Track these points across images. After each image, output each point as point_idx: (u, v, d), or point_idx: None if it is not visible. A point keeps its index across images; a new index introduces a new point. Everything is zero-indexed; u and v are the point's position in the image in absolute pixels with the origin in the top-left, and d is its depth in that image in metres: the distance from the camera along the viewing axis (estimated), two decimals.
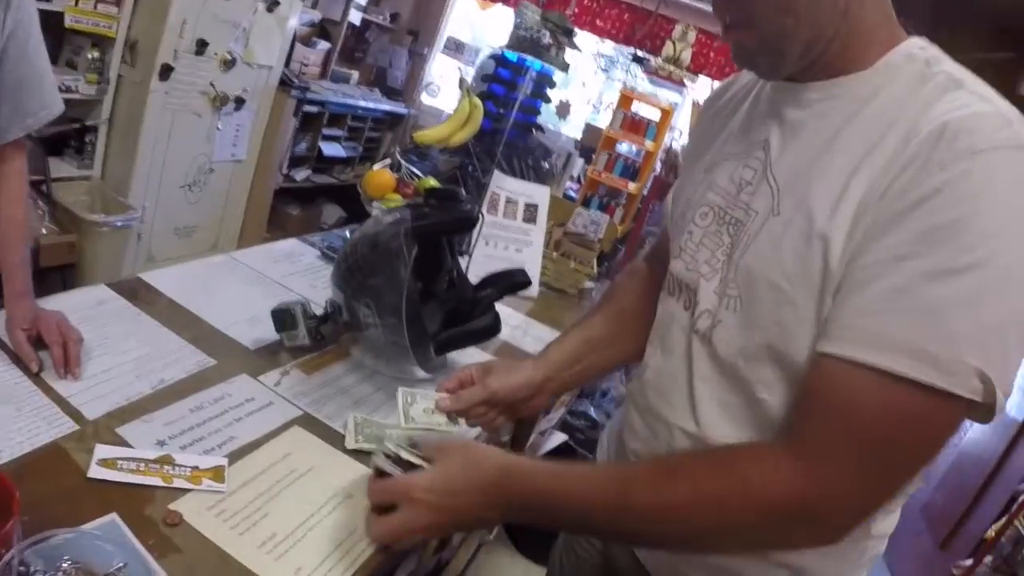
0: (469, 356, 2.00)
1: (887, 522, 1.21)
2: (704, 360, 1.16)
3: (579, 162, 6.42)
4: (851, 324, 0.92)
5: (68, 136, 3.76)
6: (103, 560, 0.96)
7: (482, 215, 1.77)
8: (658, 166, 6.08)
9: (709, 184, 1.22)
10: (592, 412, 3.98)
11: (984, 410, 0.89)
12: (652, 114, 6.04)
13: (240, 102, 4.42)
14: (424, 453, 1.13)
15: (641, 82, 6.66)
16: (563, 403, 3.60)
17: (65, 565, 0.91)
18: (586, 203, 5.23)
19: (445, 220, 1.70)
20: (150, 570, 1.04)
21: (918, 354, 0.86)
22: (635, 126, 5.96)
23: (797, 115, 1.08)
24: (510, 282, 1.95)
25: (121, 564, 0.95)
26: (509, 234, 2.74)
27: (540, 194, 2.86)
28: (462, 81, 2.74)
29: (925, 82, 0.97)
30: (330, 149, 5.76)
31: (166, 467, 1.25)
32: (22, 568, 0.89)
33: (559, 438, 2.84)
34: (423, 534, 1.14)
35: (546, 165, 3.28)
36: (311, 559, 1.18)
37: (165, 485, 1.22)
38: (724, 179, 1.18)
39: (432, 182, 2.49)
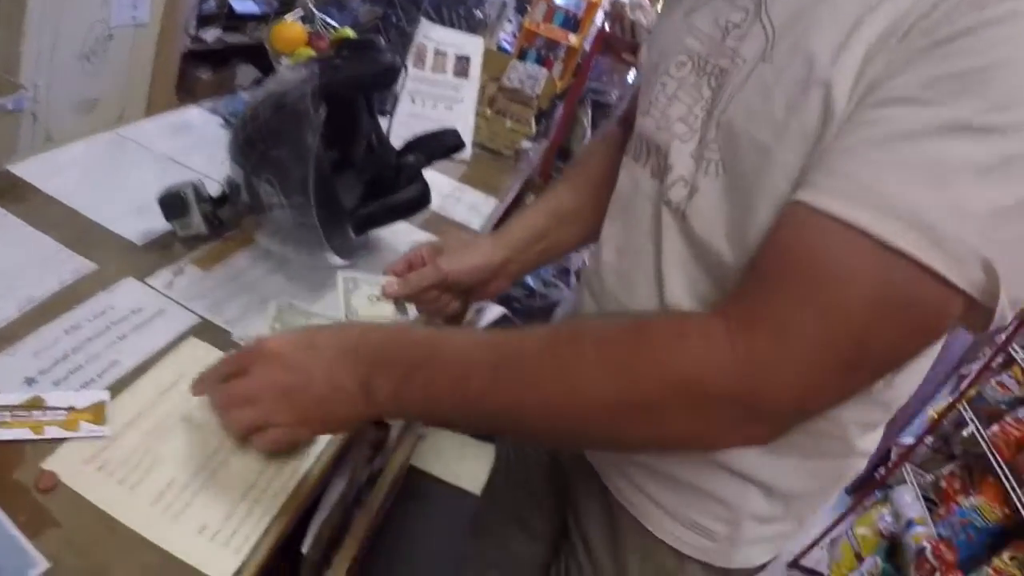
0: (397, 235, 1.77)
1: (870, 438, 1.10)
2: (675, 238, 1.00)
3: (513, 12, 6.05)
4: (837, 170, 0.74)
5: None
6: None
7: (405, 67, 1.53)
8: (600, 17, 5.73)
9: (689, 28, 1.03)
10: (529, 280, 3.88)
11: (980, 314, 0.74)
12: None
13: None
14: None
15: None
16: None
17: None
18: (522, 56, 4.91)
19: (360, 73, 1.45)
20: (25, 558, 0.85)
21: (917, 223, 0.69)
22: None
23: None
24: (440, 145, 1.70)
25: None
26: (438, 90, 2.49)
27: (472, 45, 2.59)
28: None
29: None
30: (241, 5, 5.31)
31: (36, 412, 1.03)
32: None
33: (497, 311, 2.67)
34: (269, 401, 0.94)
35: (479, 14, 3.01)
36: (216, 513, 0.98)
37: (36, 437, 0.99)
38: (707, 22, 1.00)
39: (349, 33, 2.24)
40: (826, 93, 0.78)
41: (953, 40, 0.70)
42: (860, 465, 1.11)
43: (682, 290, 1.00)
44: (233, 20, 5.36)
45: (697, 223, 0.95)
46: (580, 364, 0.81)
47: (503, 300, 3.21)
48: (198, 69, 5.26)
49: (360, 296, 1.32)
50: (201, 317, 1.31)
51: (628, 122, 1.30)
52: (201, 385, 1.00)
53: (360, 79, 1.49)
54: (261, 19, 5.60)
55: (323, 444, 1.13)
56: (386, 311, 1.29)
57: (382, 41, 1.58)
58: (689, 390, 0.77)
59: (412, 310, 1.29)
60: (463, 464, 3.01)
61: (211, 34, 5.16)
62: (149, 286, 1.34)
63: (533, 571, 1.57)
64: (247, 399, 0.95)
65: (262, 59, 5.58)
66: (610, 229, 1.18)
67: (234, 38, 5.41)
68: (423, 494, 2.85)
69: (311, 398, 0.92)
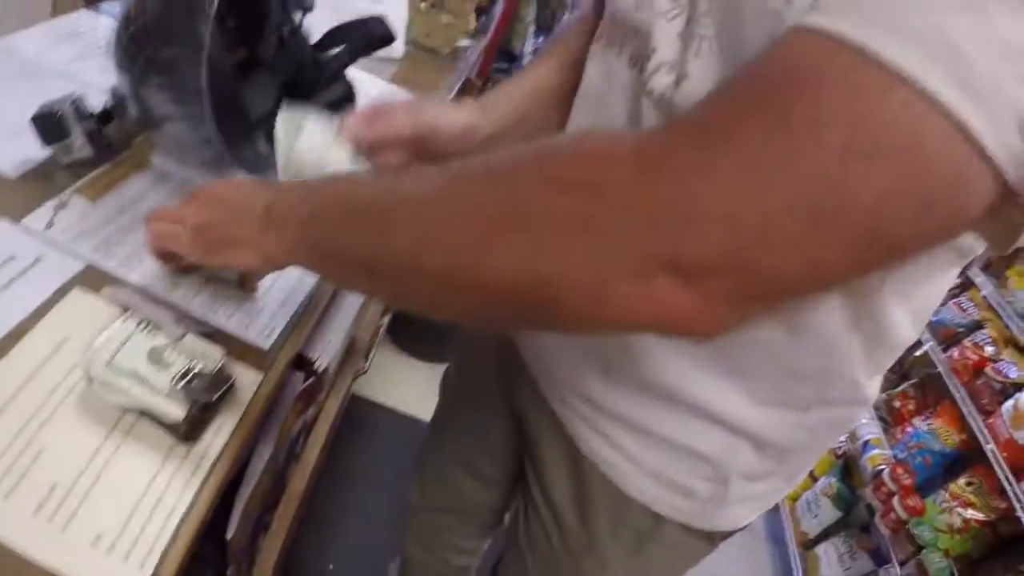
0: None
1: (876, 382, 0.94)
2: None
3: None
4: None
5: None
6: None
7: None
8: None
9: None
10: None
11: (1004, 225, 0.58)
12: None
13: None
14: None
15: None
16: None
17: None
18: None
19: None
20: None
21: (946, 58, 0.48)
22: None
23: None
24: (365, 36, 1.44)
25: None
26: None
27: None
28: None
29: None
30: None
31: None
32: None
33: None
34: (192, 218, 0.91)
35: None
36: (112, 518, 0.81)
37: None
38: None
39: None
40: None
41: None
42: (861, 415, 0.97)
43: None
44: None
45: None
46: (462, 182, 0.68)
47: None
48: None
49: (308, 138, 1.03)
50: (88, 261, 1.09)
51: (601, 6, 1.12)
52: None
53: None
54: None
55: (236, 420, 0.96)
56: (337, 158, 1.01)
57: None
58: (575, 197, 0.58)
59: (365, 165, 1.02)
60: (409, 389, 2.88)
61: None
62: (25, 228, 1.12)
63: (488, 515, 1.48)
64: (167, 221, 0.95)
65: None
66: (575, 126, 1.01)
67: None
68: (368, 424, 2.74)
69: (219, 214, 0.90)
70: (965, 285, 3.35)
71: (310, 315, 1.17)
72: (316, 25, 1.47)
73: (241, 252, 0.87)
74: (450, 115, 1.06)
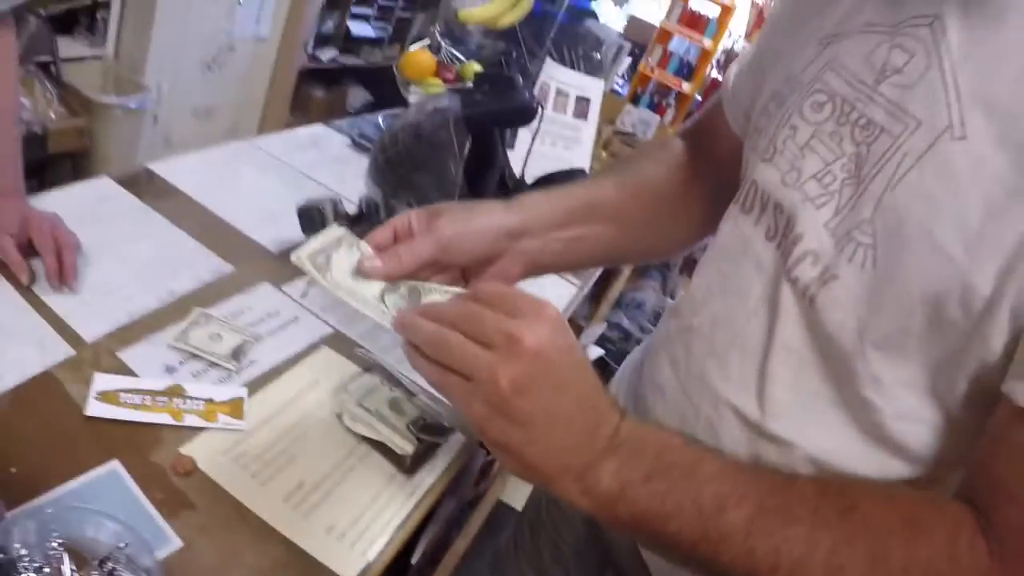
0: None
1: None
2: (796, 325, 0.81)
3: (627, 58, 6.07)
4: None
5: (79, 12, 3.49)
6: (102, 534, 0.79)
7: (541, 106, 1.55)
8: (714, 67, 5.70)
9: (828, 61, 0.82)
10: (625, 323, 3.76)
11: None
12: (711, 10, 5.65)
13: None
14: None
15: None
16: (601, 317, 3.43)
17: (54, 547, 0.74)
18: (634, 100, 4.94)
19: (502, 109, 1.48)
20: (159, 534, 0.88)
21: None
22: (693, 21, 5.58)
23: None
24: (568, 182, 1.70)
25: (122, 544, 0.78)
26: (558, 129, 2.48)
27: (593, 87, 2.59)
28: None
29: None
30: (358, 28, 5.45)
31: (176, 400, 1.07)
32: (1, 554, 0.72)
33: (595, 352, 2.63)
34: (503, 392, 0.66)
35: (597, 56, 3.02)
36: (344, 515, 1.01)
37: (175, 423, 1.04)
38: (855, 59, 0.79)
39: (476, 67, 2.28)
40: None
41: None
42: None
43: (788, 386, 0.82)
44: (349, 42, 5.49)
45: (829, 315, 0.77)
46: (848, 555, 0.66)
47: (599, 342, 3.16)
48: (312, 87, 5.37)
49: (340, 269, 0.86)
50: (334, 328, 1.34)
51: (692, 143, 1.15)
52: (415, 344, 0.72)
53: (502, 114, 1.53)
54: (375, 43, 5.73)
55: (440, 469, 1.15)
56: (368, 292, 0.84)
57: (520, 79, 1.60)
58: None
59: (401, 292, 0.86)
60: None
61: (327, 54, 5.28)
62: (285, 293, 1.39)
63: None
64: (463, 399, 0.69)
65: (373, 82, 5.73)
66: (704, 290, 0.95)
67: (349, 60, 5.53)
68: (505, 525, 2.83)
69: (548, 409, 0.69)
70: None
71: None
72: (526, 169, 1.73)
73: (538, 469, 0.70)
74: (471, 222, 0.93)
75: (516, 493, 2.87)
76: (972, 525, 0.64)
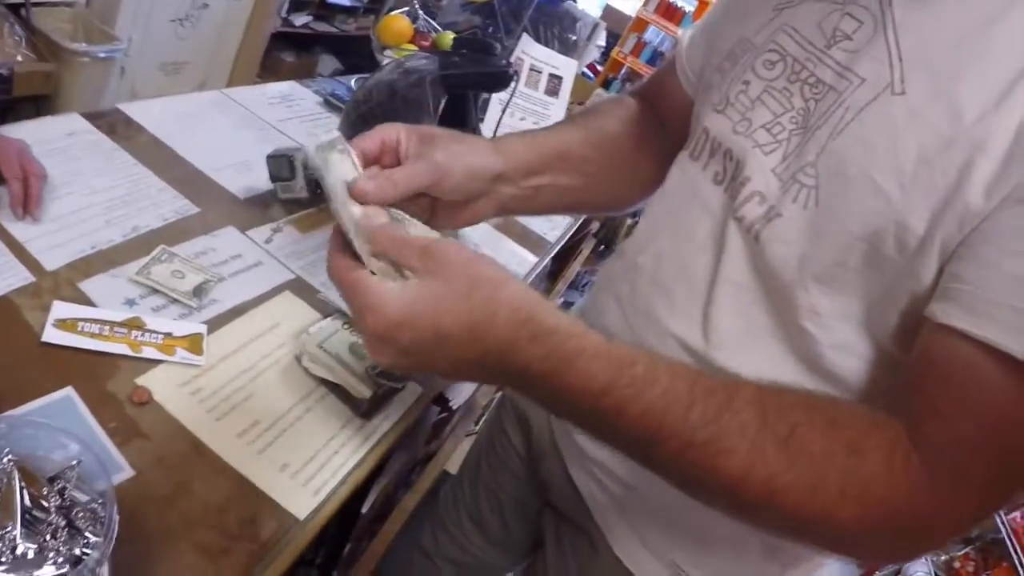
0: (478, 229, 1.81)
1: None
2: (741, 259, 0.87)
3: (603, 37, 6.07)
4: (1010, 301, 0.66)
5: None
6: (54, 453, 0.78)
7: (516, 74, 1.55)
8: None
9: (781, 25, 0.90)
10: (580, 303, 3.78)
11: None
12: (689, 3, 5.67)
13: None
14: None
15: None
16: (557, 293, 3.44)
17: (4, 462, 0.73)
18: (605, 85, 4.95)
19: (479, 72, 1.48)
20: (110, 462, 0.87)
21: None
22: (670, 12, 5.60)
23: None
24: None
25: (74, 461, 0.77)
26: (529, 104, 2.52)
27: (567, 66, 2.63)
28: None
29: None
30: None
31: (135, 332, 1.06)
32: None
33: None
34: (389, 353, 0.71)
35: (572, 37, 3.03)
36: (298, 455, 1.01)
37: (133, 354, 1.03)
38: (807, 25, 0.87)
39: (450, 36, 2.28)
40: (967, 160, 0.69)
41: None
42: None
43: (731, 314, 0.89)
44: (323, 9, 5.42)
45: (772, 249, 0.83)
46: (787, 479, 0.70)
47: None
48: (283, 51, 5.31)
49: (332, 174, 0.79)
50: (296, 275, 1.34)
51: (643, 101, 1.20)
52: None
53: (479, 77, 1.52)
54: (350, 12, 5.67)
55: (395, 418, 1.16)
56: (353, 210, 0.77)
57: (498, 46, 1.60)
58: (878, 526, 0.71)
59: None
60: None
61: (301, 19, 5.23)
62: (249, 238, 1.38)
63: (489, 572, 1.49)
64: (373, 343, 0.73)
65: (345, 51, 5.69)
66: (650, 231, 1.02)
67: (321, 27, 5.47)
68: None
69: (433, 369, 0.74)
70: None
71: None
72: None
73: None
74: (466, 157, 0.93)
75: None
76: (905, 441, 0.69)
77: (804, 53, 0.86)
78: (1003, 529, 3.08)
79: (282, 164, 1.49)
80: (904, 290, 0.75)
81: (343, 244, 0.74)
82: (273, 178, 1.50)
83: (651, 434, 0.70)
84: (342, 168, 0.79)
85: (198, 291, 1.17)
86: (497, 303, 0.68)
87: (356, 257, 0.73)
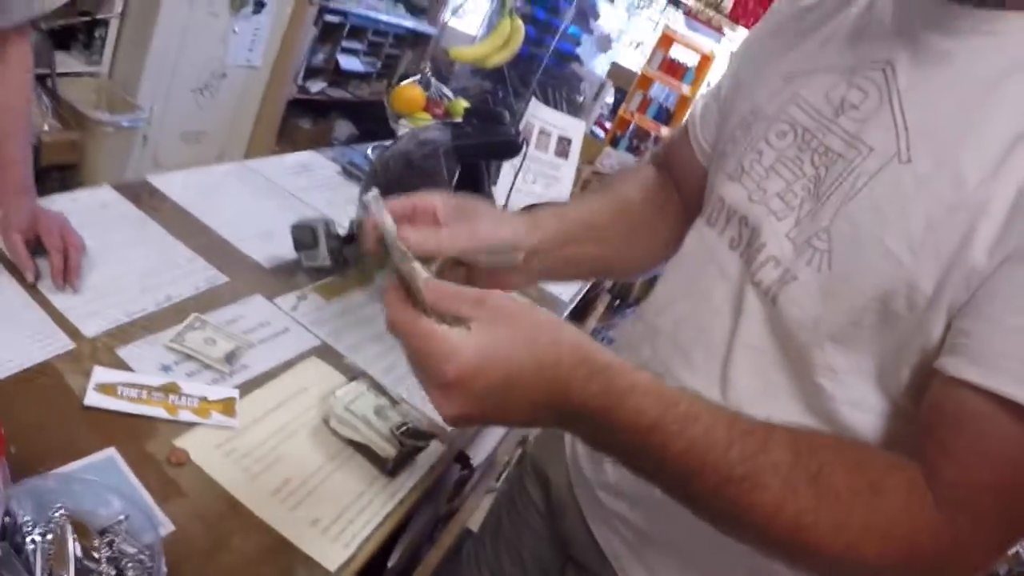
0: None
1: None
2: (758, 322, 0.91)
3: (611, 94, 6.19)
4: (1010, 352, 0.70)
5: (77, 29, 3.51)
6: (101, 509, 0.83)
7: (526, 142, 1.62)
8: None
9: (792, 96, 0.95)
10: None
11: None
12: (691, 59, 5.79)
13: (260, 5, 4.16)
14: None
15: (677, 24, 6.39)
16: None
17: (57, 515, 0.78)
18: (614, 143, 5.03)
19: (489, 142, 1.55)
20: (153, 519, 0.92)
21: None
22: (672, 69, 5.70)
23: (940, 42, 0.82)
24: None
25: (122, 516, 0.83)
26: (539, 167, 2.59)
27: (575, 128, 2.70)
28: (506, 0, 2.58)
29: None
30: (348, 63, 5.49)
31: (171, 396, 1.12)
32: (7, 518, 0.77)
33: None
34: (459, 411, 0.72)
35: (579, 98, 3.13)
36: (328, 510, 1.06)
37: (169, 417, 1.09)
38: (816, 95, 0.92)
39: (463, 103, 2.36)
40: (970, 223, 0.73)
41: None
42: None
43: (750, 378, 0.92)
44: (338, 75, 5.53)
45: (789, 312, 0.87)
46: (815, 518, 0.73)
47: None
48: (300, 118, 5.42)
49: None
50: (322, 340, 1.40)
51: (661, 168, 1.26)
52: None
53: (489, 147, 1.59)
54: (364, 77, 5.78)
55: (419, 476, 1.21)
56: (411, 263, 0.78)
57: (507, 114, 1.67)
58: (901, 563, 0.74)
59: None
60: None
61: (316, 86, 5.32)
62: (276, 305, 1.45)
63: None
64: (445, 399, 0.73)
65: (360, 116, 5.79)
66: (668, 295, 1.06)
67: (336, 92, 5.57)
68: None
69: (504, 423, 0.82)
70: None
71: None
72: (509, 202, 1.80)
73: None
74: (502, 229, 1.00)
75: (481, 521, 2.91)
76: (922, 483, 0.73)
77: (814, 123, 0.90)
78: None
79: (305, 233, 1.56)
80: (915, 347, 0.78)
81: (403, 297, 0.73)
82: (297, 247, 1.57)
83: (692, 470, 0.73)
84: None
85: (230, 357, 1.23)
86: (559, 345, 0.71)
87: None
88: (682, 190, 1.19)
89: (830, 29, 0.97)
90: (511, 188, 2.21)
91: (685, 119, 1.22)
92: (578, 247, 1.11)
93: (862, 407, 0.84)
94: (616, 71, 6.22)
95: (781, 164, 0.93)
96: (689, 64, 5.71)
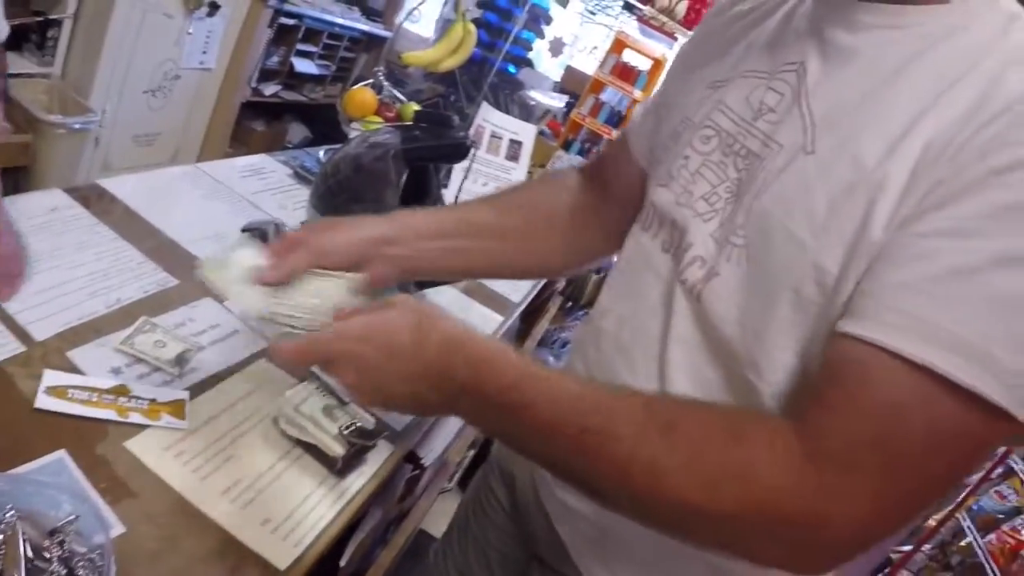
0: (445, 295, 1.90)
1: None
2: (687, 319, 0.96)
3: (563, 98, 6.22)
4: (894, 305, 0.73)
5: (29, 29, 3.48)
6: (51, 510, 0.85)
7: (474, 145, 1.65)
8: None
9: (716, 103, 1.01)
10: (551, 361, 3.86)
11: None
12: (642, 63, 5.84)
13: (214, 7, 4.14)
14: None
15: (631, 29, 6.43)
16: (527, 351, 3.52)
17: (8, 516, 0.79)
18: (566, 147, 5.07)
19: (438, 144, 1.58)
20: (103, 520, 0.93)
21: (979, 357, 0.69)
22: (625, 73, 5.74)
23: (846, 40, 0.88)
24: None
25: (72, 516, 0.84)
26: (490, 170, 2.62)
27: (526, 131, 2.74)
28: (459, 3, 2.61)
29: (1008, 35, 0.79)
30: (303, 65, 5.49)
31: (121, 399, 1.13)
32: None
33: None
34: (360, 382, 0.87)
35: (531, 101, 3.16)
36: (278, 510, 1.08)
37: (120, 419, 1.10)
38: (737, 101, 0.98)
39: (414, 107, 2.38)
40: (870, 200, 0.77)
41: (1012, 171, 0.70)
42: None
43: (685, 373, 0.96)
44: (292, 78, 5.54)
45: (713, 307, 0.92)
46: (669, 462, 0.77)
47: None
48: (253, 121, 5.41)
49: (234, 279, 1.03)
50: (272, 343, 1.39)
51: (590, 176, 1.32)
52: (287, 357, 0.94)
53: (438, 150, 1.62)
54: (318, 80, 5.78)
55: (369, 475, 1.23)
56: (256, 297, 1.03)
57: (456, 118, 1.70)
58: (764, 512, 0.75)
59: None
60: None
61: (270, 88, 5.32)
62: (226, 308, 1.46)
63: None
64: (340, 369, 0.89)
65: (314, 120, 5.79)
66: (611, 297, 1.13)
67: (291, 95, 5.58)
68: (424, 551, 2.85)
69: (394, 398, 0.88)
70: (1007, 474, 3.46)
71: (425, 421, 1.46)
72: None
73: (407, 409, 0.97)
74: (339, 234, 1.09)
75: (437, 523, 2.92)
76: (788, 434, 0.76)
77: (736, 127, 0.97)
78: (980, 553, 3.15)
79: (257, 237, 1.56)
80: (828, 330, 0.80)
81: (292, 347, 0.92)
82: None
83: (549, 424, 0.80)
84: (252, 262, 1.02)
85: (179, 360, 1.24)
86: (431, 322, 0.85)
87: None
88: (621, 198, 1.22)
89: (754, 36, 1.03)
90: (459, 191, 2.23)
91: (623, 131, 1.28)
92: (455, 241, 1.19)
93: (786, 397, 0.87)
94: (572, 74, 6.26)
95: (706, 168, 0.99)
96: (642, 68, 5.75)
